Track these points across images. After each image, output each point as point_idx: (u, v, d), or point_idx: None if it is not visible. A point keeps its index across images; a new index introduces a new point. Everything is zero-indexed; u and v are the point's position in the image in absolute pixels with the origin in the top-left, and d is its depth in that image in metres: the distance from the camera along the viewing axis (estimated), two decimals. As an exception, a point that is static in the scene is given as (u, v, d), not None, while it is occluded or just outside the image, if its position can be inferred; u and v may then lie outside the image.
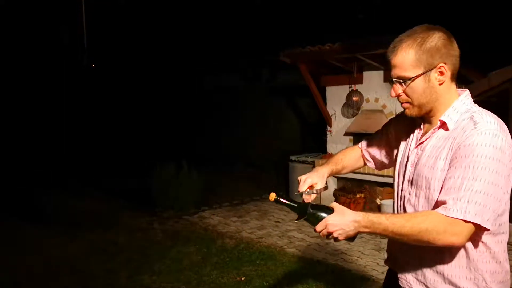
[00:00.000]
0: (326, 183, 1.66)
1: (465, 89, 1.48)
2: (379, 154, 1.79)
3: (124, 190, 7.34)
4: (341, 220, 1.34)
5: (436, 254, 1.41)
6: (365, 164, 1.87)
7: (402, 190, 1.53)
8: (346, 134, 6.71)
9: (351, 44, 5.64)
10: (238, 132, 10.32)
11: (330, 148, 6.98)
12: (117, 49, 12.44)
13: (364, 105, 6.34)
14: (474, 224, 1.26)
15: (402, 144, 1.60)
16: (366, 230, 1.34)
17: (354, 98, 6.26)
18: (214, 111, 11.05)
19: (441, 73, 1.37)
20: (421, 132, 1.51)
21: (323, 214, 1.39)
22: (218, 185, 7.82)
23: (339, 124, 6.78)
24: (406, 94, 1.42)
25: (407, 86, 1.40)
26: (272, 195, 1.52)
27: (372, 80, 6.25)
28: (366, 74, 6.31)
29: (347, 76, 6.40)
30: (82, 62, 12.58)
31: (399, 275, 1.55)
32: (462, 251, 1.38)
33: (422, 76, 1.37)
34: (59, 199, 6.58)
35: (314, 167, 6.95)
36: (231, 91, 10.53)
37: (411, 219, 1.32)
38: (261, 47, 9.46)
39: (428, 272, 1.45)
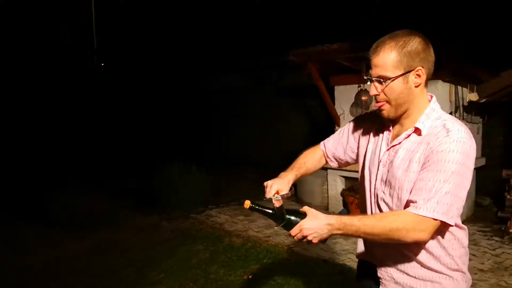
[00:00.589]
0: (291, 189, 1.68)
1: (430, 94, 1.57)
2: (343, 154, 1.85)
3: (130, 190, 7.35)
4: (315, 224, 1.41)
5: (414, 245, 1.51)
6: (326, 162, 1.93)
7: (375, 189, 1.61)
8: (355, 133, 6.67)
9: (360, 43, 5.60)
10: (245, 132, 10.32)
11: (339, 148, 6.94)
12: (123, 49, 12.51)
13: (373, 104, 6.30)
14: (440, 221, 1.39)
15: (371, 144, 1.67)
16: (339, 232, 1.41)
17: (363, 98, 6.22)
18: (221, 112, 11.05)
19: (418, 76, 1.46)
20: (391, 134, 1.59)
21: (297, 219, 1.44)
22: (225, 184, 7.83)
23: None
24: (385, 94, 1.49)
25: (386, 86, 1.48)
26: (247, 203, 1.53)
27: (381, 79, 6.21)
28: (375, 74, 6.26)
29: (356, 76, 6.36)
30: (92, 61, 12.68)
31: (378, 268, 1.63)
32: (435, 241, 1.51)
33: (401, 77, 1.45)
34: (62, 200, 6.59)
35: (322, 167, 6.91)
36: (238, 92, 10.53)
37: (382, 219, 1.42)
38: (269, 47, 9.45)
39: (407, 261, 1.55)
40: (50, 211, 6.04)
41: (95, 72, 12.72)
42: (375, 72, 1.49)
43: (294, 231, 1.43)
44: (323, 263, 4.38)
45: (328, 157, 1.90)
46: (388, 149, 1.57)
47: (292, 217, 1.46)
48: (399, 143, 1.53)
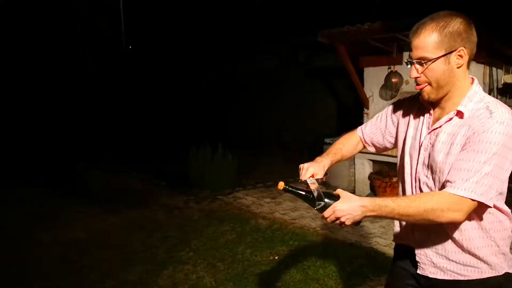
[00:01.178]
0: (326, 174, 1.68)
1: (472, 76, 1.53)
2: (382, 139, 1.82)
3: (162, 172, 7.56)
4: (349, 206, 1.41)
5: (454, 228, 1.49)
6: (364, 148, 1.91)
7: (416, 173, 1.59)
8: (384, 116, 6.57)
9: (391, 23, 5.47)
10: (273, 114, 10.31)
11: (367, 131, 6.86)
12: (152, 32, 12.60)
13: (403, 87, 6.18)
14: (478, 202, 1.36)
15: (411, 129, 1.64)
16: (373, 213, 1.41)
17: (393, 80, 6.10)
18: (250, 94, 11.06)
19: (460, 57, 1.43)
20: (431, 117, 1.56)
21: (330, 201, 1.45)
22: (252, 167, 7.90)
23: (376, 106, 6.64)
24: (426, 76, 1.46)
25: (426, 68, 1.45)
26: (281, 184, 1.54)
27: (412, 61, 6.07)
28: (407, 55, 6.11)
29: (386, 57, 6.23)
30: (121, 45, 12.85)
31: (417, 251, 1.60)
32: (475, 223, 1.48)
33: (442, 58, 1.42)
34: (99, 177, 6.86)
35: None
36: (267, 74, 10.49)
37: (417, 200, 1.41)
38: (298, 29, 9.34)
39: (448, 245, 1.53)
40: (89, 188, 6.32)
41: (132, 55, 12.93)
42: (415, 54, 1.45)
43: (327, 212, 1.44)
44: (349, 246, 4.40)
45: (366, 142, 1.88)
46: (429, 133, 1.54)
47: (326, 199, 1.46)
48: (440, 126, 1.50)
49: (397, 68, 6.18)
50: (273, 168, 8.17)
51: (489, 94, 5.62)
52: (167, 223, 5.32)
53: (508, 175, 1.40)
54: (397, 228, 1.74)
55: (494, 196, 1.39)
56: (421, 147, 1.56)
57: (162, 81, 11.83)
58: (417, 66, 1.46)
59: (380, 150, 1.89)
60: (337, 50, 6.39)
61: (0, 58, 10.55)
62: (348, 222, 1.42)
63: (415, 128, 1.62)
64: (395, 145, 1.78)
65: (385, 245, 4.40)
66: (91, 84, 11.32)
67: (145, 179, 7.44)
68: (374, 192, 6.22)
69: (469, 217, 1.45)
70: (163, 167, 7.74)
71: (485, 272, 1.50)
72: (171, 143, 9.35)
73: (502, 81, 5.63)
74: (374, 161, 6.49)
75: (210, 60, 11.78)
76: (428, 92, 1.48)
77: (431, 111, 1.55)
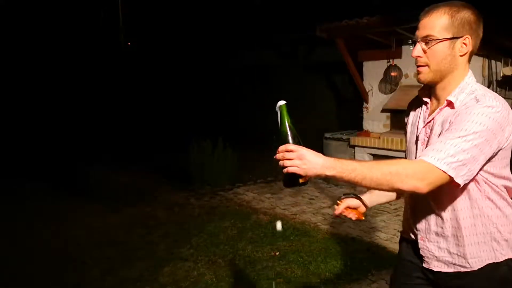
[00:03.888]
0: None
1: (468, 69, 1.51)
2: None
3: (162, 168, 7.55)
4: (311, 154, 1.33)
5: (454, 218, 1.48)
6: None
7: None
8: (383, 111, 6.56)
9: (390, 17, 5.45)
10: (273, 108, 10.28)
11: (366, 125, 6.85)
12: (151, 27, 12.56)
13: (403, 80, 6.17)
14: (448, 176, 1.31)
15: (409, 125, 1.65)
16: (333, 171, 1.31)
17: (392, 73, 6.09)
18: (249, 89, 11.03)
19: (465, 44, 1.42)
20: (428, 111, 1.55)
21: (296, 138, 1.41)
22: (252, 162, 7.89)
23: (376, 100, 6.63)
24: (427, 57, 1.45)
25: (430, 47, 1.43)
26: None
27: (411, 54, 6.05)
28: (406, 49, 6.09)
29: (386, 51, 6.21)
30: (119, 40, 12.81)
31: (420, 245, 1.59)
32: (477, 210, 1.46)
33: (448, 42, 1.41)
34: (99, 175, 6.85)
35: (349, 144, 6.86)
36: (267, 68, 10.47)
37: (383, 163, 1.36)
38: (298, 23, 9.30)
39: (449, 237, 1.51)
40: (89, 185, 6.33)
41: (131, 49, 12.90)
42: (422, 32, 1.44)
43: (289, 146, 1.35)
44: (351, 240, 4.40)
45: None
46: (424, 126, 1.54)
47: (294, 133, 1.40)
48: (433, 118, 1.49)
49: (396, 62, 6.16)
50: (273, 163, 8.14)
51: (488, 86, 5.62)
52: (168, 219, 5.31)
53: (484, 161, 1.37)
54: (404, 223, 1.73)
55: (467, 176, 1.34)
56: (418, 141, 1.55)
57: (161, 76, 11.80)
58: (422, 44, 1.44)
59: None
60: (336, 45, 6.37)
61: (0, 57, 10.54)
62: (298, 169, 1.31)
63: (413, 124, 1.62)
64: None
65: (386, 239, 4.40)
66: (89, 80, 11.29)
67: (145, 176, 7.43)
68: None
69: (467, 204, 1.44)
70: (163, 163, 7.73)
71: (487, 260, 1.49)
72: (170, 139, 9.33)
73: (502, 74, 5.62)
74: (374, 155, 6.48)
75: (209, 54, 11.73)
76: (425, 73, 1.47)
77: (428, 104, 1.55)
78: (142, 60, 12.13)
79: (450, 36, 1.40)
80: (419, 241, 1.60)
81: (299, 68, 9.75)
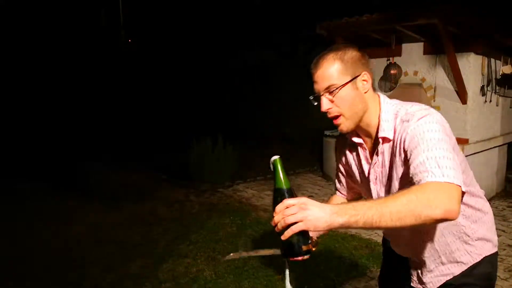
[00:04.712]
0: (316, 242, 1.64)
1: (378, 93, 1.52)
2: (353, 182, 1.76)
3: (162, 165, 7.56)
4: (317, 204, 1.17)
5: (430, 233, 1.50)
6: (356, 196, 1.85)
7: None
8: (383, 108, 6.56)
9: (390, 14, 5.45)
10: (274, 107, 10.29)
11: (366, 122, 6.84)
12: (152, 27, 12.55)
13: (402, 78, 6.17)
14: (460, 188, 1.21)
15: (355, 168, 1.63)
16: (344, 216, 1.14)
17: (392, 71, 6.09)
18: (250, 87, 11.03)
19: (365, 81, 1.44)
20: (366, 150, 1.54)
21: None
22: (252, 159, 7.90)
23: (375, 98, 6.64)
24: (337, 106, 1.43)
25: (335, 95, 1.41)
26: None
27: (411, 52, 6.05)
28: (405, 46, 6.10)
29: (385, 49, 6.21)
30: (120, 40, 12.80)
31: (411, 270, 1.65)
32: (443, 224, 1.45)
33: (350, 84, 1.41)
34: (99, 173, 6.86)
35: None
36: (267, 68, 10.47)
37: (396, 194, 1.20)
38: (298, 22, 9.30)
39: (429, 252, 1.54)
40: (88, 183, 6.33)
41: (132, 47, 12.88)
42: (321, 85, 1.42)
43: (290, 201, 1.17)
44: (350, 237, 4.41)
45: (348, 194, 1.83)
46: (372, 167, 1.52)
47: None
48: (377, 157, 1.49)
49: (396, 59, 6.17)
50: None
51: (488, 85, 5.63)
52: (167, 216, 5.33)
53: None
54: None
55: (462, 180, 1.25)
56: (370, 182, 1.55)
57: (161, 76, 11.79)
58: (327, 96, 1.42)
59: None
60: (336, 42, 6.37)
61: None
62: (304, 222, 1.13)
63: (358, 166, 1.61)
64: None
65: (385, 236, 4.41)
66: (90, 79, 11.28)
67: (145, 173, 7.44)
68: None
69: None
70: (164, 163, 7.74)
71: (468, 263, 1.53)
72: (171, 139, 9.34)
73: (501, 72, 5.63)
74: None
75: (209, 54, 11.72)
76: (344, 123, 1.45)
77: (363, 144, 1.54)
78: (142, 60, 12.13)
79: (350, 78, 1.40)
80: (410, 264, 1.64)
81: (299, 67, 9.75)
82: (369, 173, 1.54)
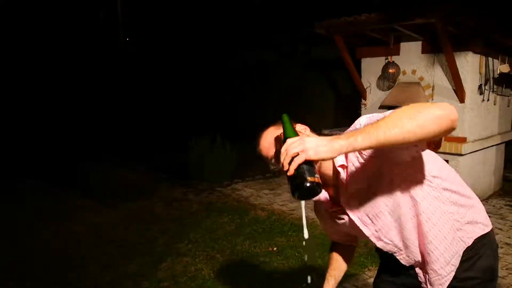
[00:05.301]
0: None
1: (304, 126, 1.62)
2: (343, 230, 1.76)
3: (161, 164, 7.57)
4: (317, 138, 1.17)
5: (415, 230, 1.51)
6: (351, 243, 1.94)
7: (377, 231, 1.63)
8: (381, 107, 6.57)
9: (388, 13, 5.46)
10: (272, 106, 10.29)
11: (364, 121, 6.85)
12: (152, 27, 12.53)
13: (401, 77, 6.18)
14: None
15: (326, 214, 1.68)
16: (350, 138, 1.12)
17: (390, 70, 6.10)
18: (249, 86, 11.04)
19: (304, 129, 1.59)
20: (331, 197, 1.58)
21: None
22: (250, 158, 7.87)
23: (374, 97, 6.65)
24: None
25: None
26: None
27: (409, 51, 6.06)
28: (404, 45, 6.11)
29: (384, 48, 6.23)
30: (119, 40, 12.79)
31: (419, 277, 1.62)
32: (435, 215, 1.45)
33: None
34: (98, 172, 6.85)
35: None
36: (267, 68, 10.48)
37: (403, 110, 1.17)
38: (297, 21, 9.30)
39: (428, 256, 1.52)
40: (88, 182, 6.34)
41: (130, 46, 12.86)
42: (270, 152, 1.58)
43: (290, 140, 1.19)
44: (348, 236, 4.42)
45: (345, 241, 1.91)
46: (346, 198, 1.53)
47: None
48: (347, 189, 1.49)
49: (394, 58, 6.18)
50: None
51: (485, 84, 5.65)
52: (166, 215, 5.34)
53: None
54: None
55: None
56: (350, 219, 1.58)
57: (161, 76, 11.78)
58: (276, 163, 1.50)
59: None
60: (334, 42, 6.38)
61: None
62: (305, 151, 1.13)
63: (326, 210, 1.66)
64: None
65: (383, 235, 4.43)
66: (90, 79, 11.26)
67: (144, 174, 7.43)
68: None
69: (429, 213, 1.43)
70: (163, 163, 7.75)
71: (461, 250, 1.51)
72: (170, 139, 9.34)
73: (498, 71, 5.64)
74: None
75: (209, 54, 11.71)
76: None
77: (326, 195, 1.58)
78: (142, 60, 12.11)
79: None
80: (417, 273, 1.62)
81: (299, 67, 9.76)
82: (340, 214, 1.57)
